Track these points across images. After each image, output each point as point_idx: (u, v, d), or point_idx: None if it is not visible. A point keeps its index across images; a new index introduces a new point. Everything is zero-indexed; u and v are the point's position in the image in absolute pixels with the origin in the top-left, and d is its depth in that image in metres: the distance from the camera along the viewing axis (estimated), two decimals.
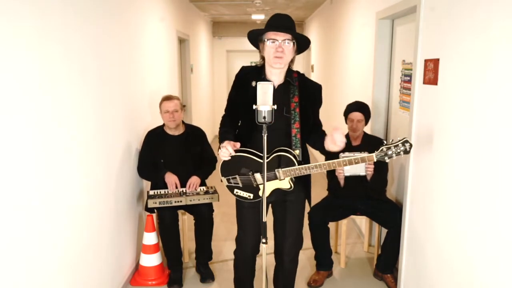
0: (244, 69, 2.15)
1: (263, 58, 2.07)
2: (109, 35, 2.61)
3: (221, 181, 2.13)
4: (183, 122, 3.15)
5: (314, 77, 7.08)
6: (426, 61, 2.19)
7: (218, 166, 2.15)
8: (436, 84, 2.07)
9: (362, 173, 2.72)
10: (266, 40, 1.96)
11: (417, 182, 2.34)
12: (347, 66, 4.37)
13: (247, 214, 2.19)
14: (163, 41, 4.20)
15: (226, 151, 1.92)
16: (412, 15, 2.64)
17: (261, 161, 1.95)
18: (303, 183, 2.15)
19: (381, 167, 2.86)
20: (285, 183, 2.03)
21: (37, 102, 1.77)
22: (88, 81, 2.28)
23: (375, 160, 1.89)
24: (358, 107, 2.90)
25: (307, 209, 2.32)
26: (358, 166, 2.70)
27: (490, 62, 1.63)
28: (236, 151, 1.98)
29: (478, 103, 1.71)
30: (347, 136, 3.00)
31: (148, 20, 3.62)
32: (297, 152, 2.01)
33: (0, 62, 1.54)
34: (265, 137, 1.79)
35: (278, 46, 1.94)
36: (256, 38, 2.04)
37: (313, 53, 7.29)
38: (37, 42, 1.77)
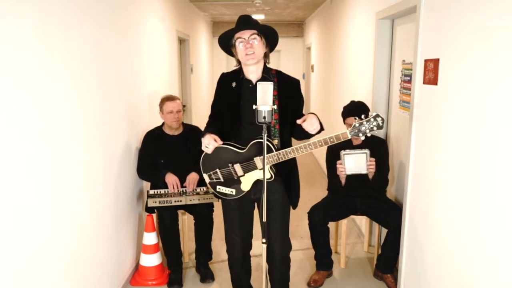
0: (223, 74, 2.25)
1: (238, 61, 2.14)
2: (109, 35, 2.61)
3: (204, 177, 2.18)
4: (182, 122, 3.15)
5: (314, 77, 7.08)
6: (426, 61, 2.19)
7: None
8: (436, 84, 2.07)
9: (364, 171, 2.71)
10: (234, 41, 2.06)
11: (417, 182, 2.34)
12: (347, 66, 4.37)
13: (233, 216, 2.23)
14: (163, 41, 4.20)
15: (209, 143, 2.00)
16: (412, 15, 2.64)
17: (240, 151, 2.05)
18: (287, 184, 2.17)
19: (381, 165, 2.86)
20: (265, 173, 2.05)
21: (37, 102, 1.78)
22: (88, 81, 2.28)
23: (349, 137, 1.89)
24: (352, 111, 2.86)
25: (300, 209, 2.32)
26: (359, 164, 2.70)
27: (490, 62, 1.63)
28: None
29: (478, 103, 1.71)
30: None
31: (148, 20, 3.62)
32: (275, 141, 2.06)
33: (0, 63, 1.54)
34: (265, 137, 1.79)
35: (246, 42, 2.02)
36: (227, 46, 2.13)
37: (313, 53, 7.30)
38: (36, 42, 1.77)
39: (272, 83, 1.78)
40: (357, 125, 1.89)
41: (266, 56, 2.13)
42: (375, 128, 1.89)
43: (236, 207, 2.21)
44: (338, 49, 4.88)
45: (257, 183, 2.11)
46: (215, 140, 2.01)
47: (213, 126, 2.22)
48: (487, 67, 1.64)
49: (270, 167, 2.05)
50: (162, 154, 3.04)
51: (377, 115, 1.89)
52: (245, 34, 2.02)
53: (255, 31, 2.03)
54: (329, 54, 5.53)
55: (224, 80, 2.21)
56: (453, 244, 1.92)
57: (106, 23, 2.57)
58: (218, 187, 2.15)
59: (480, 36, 1.69)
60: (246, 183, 2.10)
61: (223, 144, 2.08)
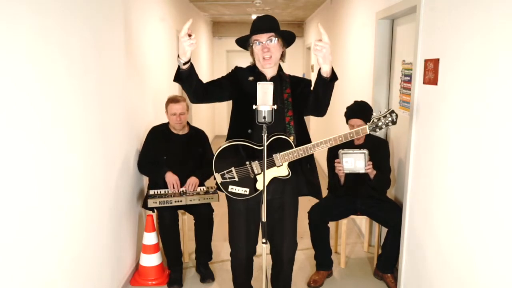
0: (238, 67, 2.22)
1: (254, 60, 2.16)
2: (109, 35, 2.61)
3: (214, 178, 2.14)
4: (187, 123, 3.16)
5: (314, 77, 7.07)
6: (426, 61, 2.19)
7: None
8: (436, 84, 2.07)
9: (362, 171, 2.72)
10: (252, 43, 2.07)
11: (417, 182, 2.34)
12: (347, 66, 4.37)
13: (240, 219, 2.20)
14: (163, 41, 4.20)
15: (185, 37, 1.79)
16: (412, 15, 2.64)
17: (258, 148, 2.02)
18: (299, 182, 2.17)
19: (383, 165, 2.86)
20: (283, 170, 2.05)
21: (37, 101, 1.77)
22: (88, 81, 2.28)
23: (368, 132, 1.98)
24: (357, 112, 2.86)
25: (300, 209, 2.31)
26: (357, 164, 2.71)
27: (490, 61, 1.63)
28: (231, 140, 2.05)
29: (478, 103, 1.71)
30: None
31: (148, 20, 3.62)
32: (291, 138, 2.05)
33: (0, 64, 1.54)
34: (265, 137, 1.79)
35: (263, 46, 2.03)
36: (245, 44, 2.14)
37: (313, 53, 7.29)
38: (36, 43, 1.77)
39: (272, 83, 1.78)
40: (375, 120, 1.99)
41: (282, 55, 2.14)
42: (390, 124, 1.99)
43: (243, 211, 2.17)
44: (338, 49, 4.88)
45: (271, 183, 2.08)
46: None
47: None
48: (487, 67, 1.64)
49: (288, 165, 2.05)
50: (165, 150, 3.04)
51: (392, 111, 1.98)
52: (263, 37, 2.03)
53: (272, 34, 2.04)
54: None
55: (239, 73, 2.18)
56: (453, 243, 1.92)
57: (106, 23, 2.57)
58: (230, 187, 2.09)
59: (480, 36, 1.69)
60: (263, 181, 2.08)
61: (238, 141, 2.05)
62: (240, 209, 2.18)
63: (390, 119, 1.98)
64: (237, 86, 2.14)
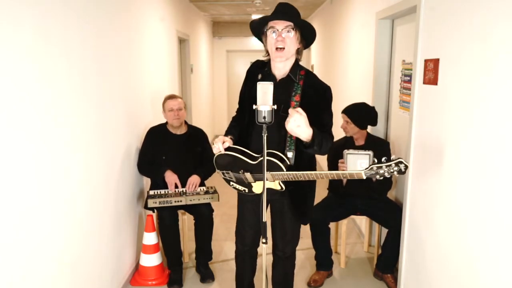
0: (254, 63, 2.12)
1: (267, 52, 2.00)
2: (109, 35, 2.61)
3: (218, 172, 2.13)
4: (185, 122, 3.16)
5: None
6: (426, 61, 2.19)
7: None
8: (436, 84, 2.07)
9: None
10: (266, 30, 1.93)
11: (417, 182, 2.34)
12: (347, 66, 4.37)
13: (247, 208, 2.22)
14: (163, 41, 4.20)
15: (216, 148, 1.92)
16: (412, 15, 2.64)
17: (251, 162, 1.94)
18: (294, 200, 2.11)
19: None
20: (275, 184, 1.96)
21: (37, 101, 1.78)
22: (88, 81, 2.28)
23: (364, 178, 1.79)
24: (346, 109, 2.91)
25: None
26: (362, 164, 2.70)
27: (490, 61, 1.63)
28: (228, 149, 1.95)
29: (478, 103, 1.71)
30: (351, 137, 2.99)
31: (148, 20, 3.61)
32: (289, 154, 1.92)
33: (0, 64, 1.54)
34: (265, 137, 1.77)
35: (278, 35, 1.87)
36: (259, 31, 2.00)
37: (313, 53, 7.29)
38: (36, 43, 1.77)
39: (272, 83, 1.70)
40: (374, 168, 1.78)
41: (298, 52, 1.98)
42: (395, 173, 1.78)
43: (249, 201, 2.19)
44: (338, 49, 4.88)
45: (270, 189, 2.02)
46: (224, 143, 1.93)
47: (234, 127, 2.11)
48: (487, 67, 1.64)
49: (281, 181, 1.95)
50: (164, 151, 3.04)
51: (400, 162, 1.76)
52: (279, 24, 1.86)
53: (290, 24, 1.87)
54: (329, 54, 5.53)
55: (253, 70, 2.07)
56: (453, 244, 1.92)
57: (106, 23, 2.57)
58: (231, 183, 2.10)
59: (480, 36, 1.69)
60: (258, 187, 2.04)
61: (235, 151, 1.97)
62: (244, 199, 2.21)
63: (396, 169, 1.76)
64: (249, 85, 2.07)
